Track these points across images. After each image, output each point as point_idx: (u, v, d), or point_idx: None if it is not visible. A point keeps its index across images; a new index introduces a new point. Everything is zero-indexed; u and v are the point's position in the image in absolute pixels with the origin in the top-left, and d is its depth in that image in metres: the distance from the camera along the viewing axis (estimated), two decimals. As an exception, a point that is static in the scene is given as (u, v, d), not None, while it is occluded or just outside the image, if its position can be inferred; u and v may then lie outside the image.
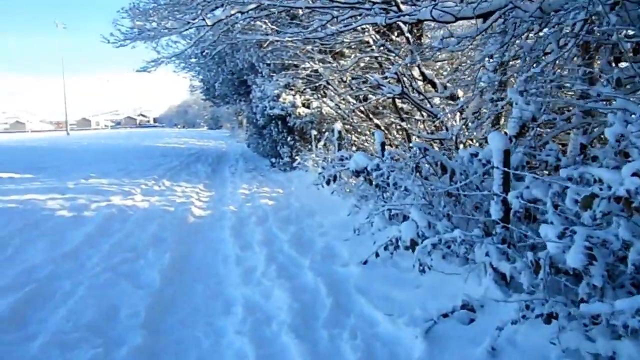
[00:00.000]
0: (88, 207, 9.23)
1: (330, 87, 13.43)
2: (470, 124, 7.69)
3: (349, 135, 15.12)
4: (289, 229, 7.09)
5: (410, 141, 10.63)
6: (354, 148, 14.22)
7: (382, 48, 10.55)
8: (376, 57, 11.03)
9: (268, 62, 15.84)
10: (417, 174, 5.05)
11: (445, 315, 3.86)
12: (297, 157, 14.47)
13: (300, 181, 12.16)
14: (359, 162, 6.23)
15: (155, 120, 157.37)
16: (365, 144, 11.39)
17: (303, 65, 14.90)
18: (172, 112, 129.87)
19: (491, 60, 5.90)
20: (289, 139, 14.91)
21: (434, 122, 10.60)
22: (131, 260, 5.79)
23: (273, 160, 16.14)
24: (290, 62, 14.42)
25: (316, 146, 12.03)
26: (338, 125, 9.52)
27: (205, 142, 40.65)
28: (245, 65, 19.00)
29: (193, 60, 23.54)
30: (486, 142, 7.26)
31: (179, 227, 7.66)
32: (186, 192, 11.53)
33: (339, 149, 9.26)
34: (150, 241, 6.65)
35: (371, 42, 10.77)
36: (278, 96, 14.94)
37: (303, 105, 14.89)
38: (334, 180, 7.05)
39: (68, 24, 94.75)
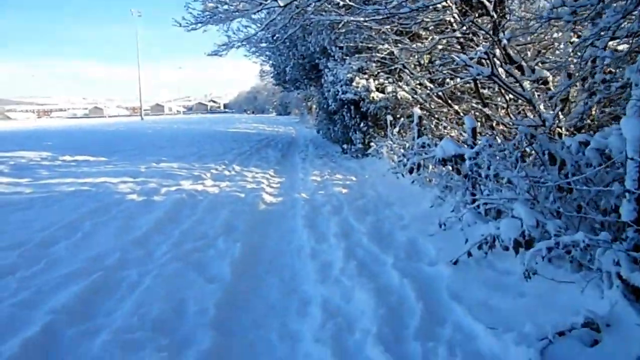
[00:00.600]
0: (158, 191, 9.08)
1: (406, 70, 12.77)
2: (571, 108, 6.88)
3: (425, 121, 14.41)
4: (367, 220, 6.57)
5: (492, 128, 9.86)
6: (429, 135, 13.52)
7: (466, 27, 9.76)
8: (457, 38, 10.27)
9: (341, 45, 15.32)
10: (522, 163, 4.39)
11: (561, 334, 3.23)
12: (370, 144, 13.90)
13: (374, 169, 11.60)
14: (447, 149, 5.61)
15: (225, 106, 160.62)
16: (445, 130, 10.65)
17: (378, 48, 14.31)
18: (242, 99, 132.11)
19: (604, 34, 5.11)
20: (361, 124, 14.34)
21: (517, 108, 9.77)
22: (201, 249, 5.46)
23: (345, 146, 15.63)
24: (363, 44, 13.85)
25: (392, 132, 11.41)
26: (418, 110, 8.86)
27: (274, 127, 40.73)
28: (317, 49, 18.59)
29: (263, 44, 23.37)
30: (577, 130, 6.47)
31: (250, 214, 7.31)
32: (257, 178, 11.24)
33: (419, 136, 8.62)
34: (221, 229, 6.31)
35: (452, 21, 10.00)
36: (351, 80, 14.39)
37: (377, 89, 14.27)
38: (418, 169, 6.46)
39: (144, 12, 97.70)
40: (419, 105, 13.69)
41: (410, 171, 6.55)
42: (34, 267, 4.79)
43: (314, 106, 45.40)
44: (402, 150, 8.68)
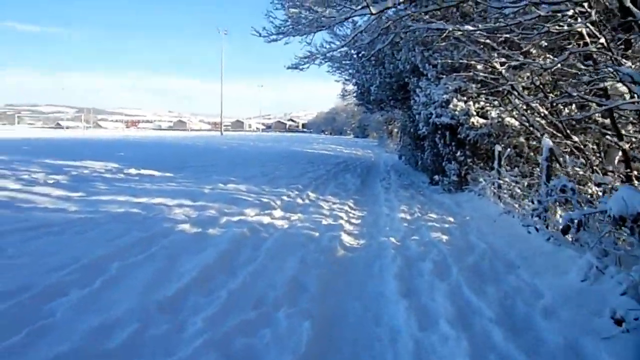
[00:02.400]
0: (217, 221, 7.55)
1: (514, 92, 10.78)
2: None
3: (533, 153, 12.21)
4: (488, 293, 4.64)
5: (629, 167, 7.70)
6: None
7: (605, 40, 7.74)
8: (591, 54, 8.31)
9: (435, 62, 13.51)
10: None
11: None
12: (467, 177, 11.89)
13: (474, 208, 9.59)
14: (631, 202, 3.65)
15: (303, 125, 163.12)
16: (581, 170, 8.53)
17: (478, 66, 12.39)
18: (320, 119, 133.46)
19: None
20: (458, 153, 12.33)
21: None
22: (252, 328, 3.73)
23: (436, 177, 13.63)
24: (463, 61, 11.98)
25: (500, 165, 9.39)
26: (548, 141, 6.82)
27: (352, 150, 39.08)
28: (406, 67, 16.87)
29: (347, 62, 21.90)
30: None
31: (324, 265, 5.56)
32: (334, 210, 9.52)
33: (548, 175, 6.59)
34: (286, 289, 4.60)
35: (586, 32, 7.96)
36: (447, 102, 12.46)
37: (477, 114, 12.27)
38: (579, 229, 4.46)
39: (230, 29, 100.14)
40: (527, 135, 11.59)
41: (565, 231, 4.58)
42: (4, 342, 3.26)
43: (395, 130, 43.53)
44: (518, 191, 6.66)
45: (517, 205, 7.87)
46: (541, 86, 10.22)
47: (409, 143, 21.43)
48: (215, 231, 6.88)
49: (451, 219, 8.78)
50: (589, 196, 5.59)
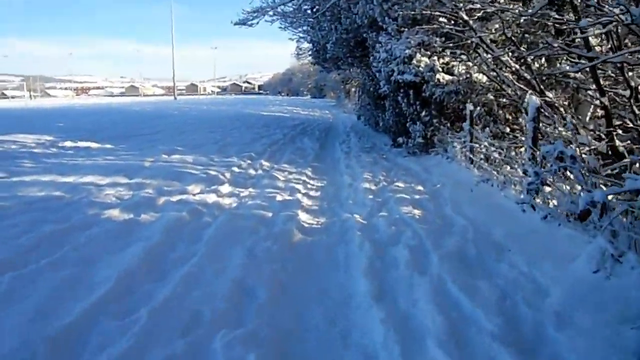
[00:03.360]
0: (153, 203, 6.45)
1: (482, 46, 9.89)
2: None
3: (502, 112, 11.39)
4: (481, 291, 3.73)
5: (611, 125, 6.94)
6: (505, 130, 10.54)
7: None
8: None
9: (395, 15, 12.44)
10: None
11: None
12: (433, 138, 11.01)
13: (444, 174, 8.71)
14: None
15: (259, 87, 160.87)
16: (563, 131, 7.71)
17: (442, 18, 11.45)
18: (277, 80, 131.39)
19: None
20: (423, 113, 11.39)
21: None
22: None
23: (399, 139, 12.68)
24: (426, 12, 11.00)
25: (472, 125, 8.49)
26: (535, 99, 5.88)
27: (309, 111, 37.85)
28: (364, 21, 15.65)
29: (301, 18, 20.51)
30: None
31: (278, 259, 4.56)
32: (290, 182, 8.50)
33: (534, 138, 5.69)
34: (228, 300, 3.59)
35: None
36: (410, 58, 11.46)
37: (443, 70, 11.32)
38: (602, 214, 3.54)
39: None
40: (495, 92, 10.74)
41: (584, 217, 3.65)
42: None
43: (352, 89, 42.33)
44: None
45: (495, 172, 7.00)
46: (512, 38, 9.30)
47: (369, 103, 20.39)
48: (149, 217, 5.77)
49: (420, 188, 7.88)
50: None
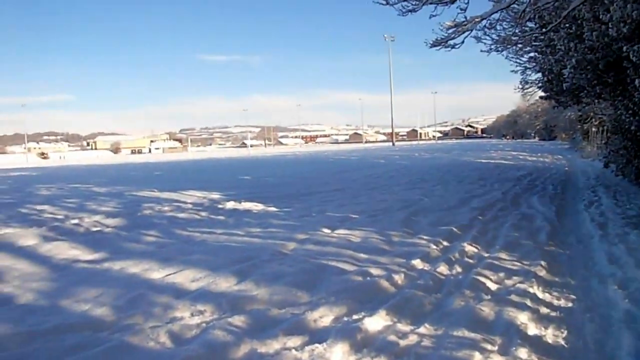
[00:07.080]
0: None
1: None
2: None
3: None
4: None
5: None
6: None
7: None
8: None
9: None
10: None
11: None
12: None
13: None
14: None
15: (482, 131, 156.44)
16: None
17: None
18: (500, 123, 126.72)
19: None
20: None
21: None
22: None
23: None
24: None
25: None
26: None
27: (538, 156, 31.97)
28: (622, 31, 10.83)
29: (517, 35, 16.08)
30: None
31: None
32: (505, 300, 4.46)
33: None
34: None
35: None
36: None
37: None
38: None
39: (398, 39, 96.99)
40: None
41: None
42: None
43: (593, 129, 35.11)
44: None
45: None
46: None
47: (624, 146, 14.95)
48: None
49: None
50: None
